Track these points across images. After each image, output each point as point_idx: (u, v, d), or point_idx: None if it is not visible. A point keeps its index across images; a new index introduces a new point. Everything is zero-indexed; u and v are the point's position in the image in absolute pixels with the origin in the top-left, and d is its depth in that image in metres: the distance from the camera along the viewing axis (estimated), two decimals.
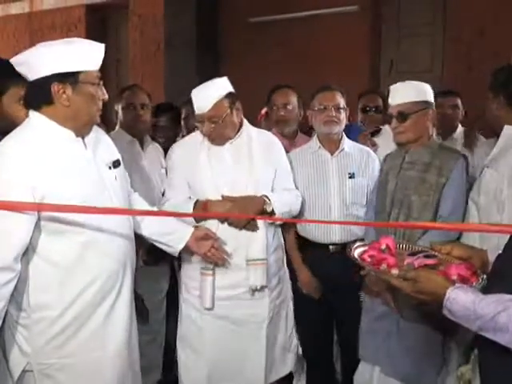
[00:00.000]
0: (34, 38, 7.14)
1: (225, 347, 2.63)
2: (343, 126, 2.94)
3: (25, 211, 1.81)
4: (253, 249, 2.58)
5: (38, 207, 1.82)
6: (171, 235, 2.37)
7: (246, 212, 2.53)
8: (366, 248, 1.76)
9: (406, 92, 2.58)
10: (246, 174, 2.62)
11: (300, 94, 3.38)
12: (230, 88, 2.60)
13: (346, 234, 2.85)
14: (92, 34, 6.50)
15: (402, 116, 2.54)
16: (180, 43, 5.97)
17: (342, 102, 2.91)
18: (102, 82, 1.98)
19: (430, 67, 5.19)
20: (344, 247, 2.66)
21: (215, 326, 2.62)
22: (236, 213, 2.53)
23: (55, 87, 1.88)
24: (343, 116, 2.91)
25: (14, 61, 1.90)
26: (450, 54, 5.07)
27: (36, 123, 1.92)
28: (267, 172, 2.68)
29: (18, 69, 1.91)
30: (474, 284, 1.56)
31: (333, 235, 2.87)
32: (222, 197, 2.57)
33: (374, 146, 3.29)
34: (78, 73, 1.90)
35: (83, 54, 1.91)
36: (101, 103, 1.99)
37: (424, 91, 2.60)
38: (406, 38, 5.43)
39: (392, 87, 2.63)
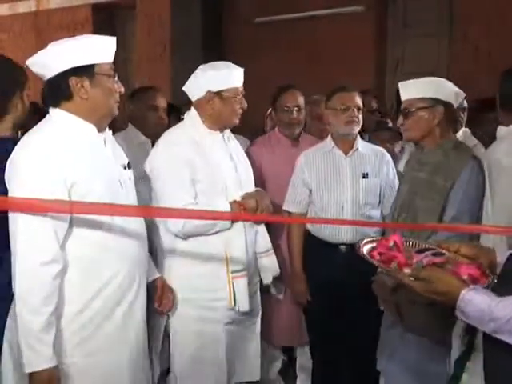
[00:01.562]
0: (41, 36, 7.16)
1: (233, 350, 2.56)
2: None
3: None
4: (263, 240, 2.62)
5: (70, 208, 1.83)
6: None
7: (267, 206, 2.55)
8: (374, 245, 1.75)
9: (410, 88, 2.50)
10: (248, 168, 2.65)
11: (305, 94, 3.35)
12: None
13: (357, 234, 2.82)
14: (99, 34, 6.46)
15: (406, 113, 2.47)
16: (186, 43, 5.98)
17: (360, 102, 2.92)
18: (116, 75, 2.01)
19: (436, 67, 5.18)
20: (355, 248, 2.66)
21: (226, 331, 2.52)
22: (266, 208, 2.53)
23: (73, 81, 1.91)
24: (361, 116, 2.92)
25: (28, 63, 1.93)
26: (457, 54, 5.07)
27: (58, 119, 1.95)
28: None
29: (33, 70, 1.93)
30: (484, 284, 1.54)
31: (344, 235, 2.86)
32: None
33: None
34: (93, 65, 1.92)
35: (96, 47, 1.95)
36: (117, 95, 2.01)
37: (434, 88, 2.48)
38: (411, 37, 5.43)
39: (400, 83, 2.56)
